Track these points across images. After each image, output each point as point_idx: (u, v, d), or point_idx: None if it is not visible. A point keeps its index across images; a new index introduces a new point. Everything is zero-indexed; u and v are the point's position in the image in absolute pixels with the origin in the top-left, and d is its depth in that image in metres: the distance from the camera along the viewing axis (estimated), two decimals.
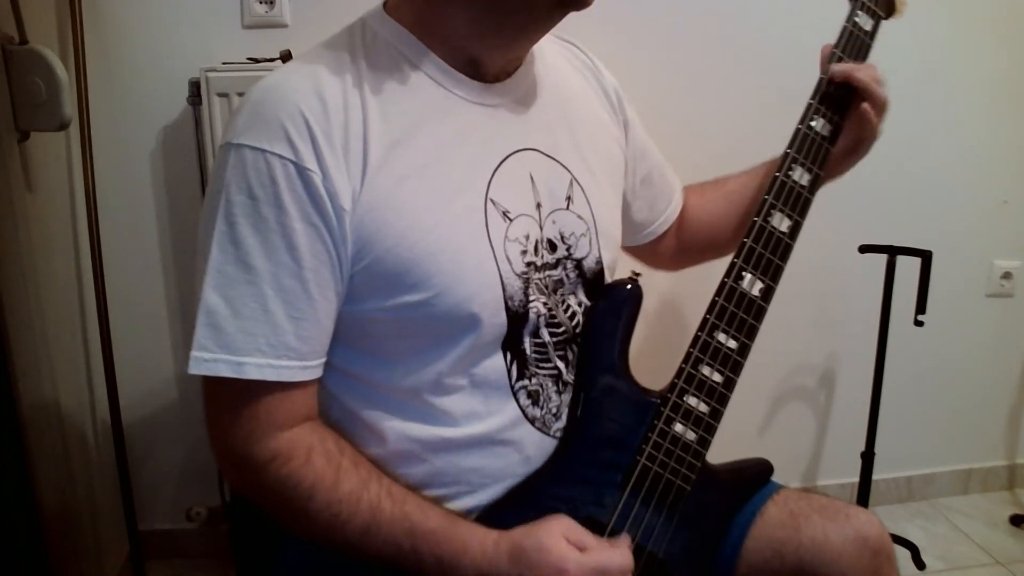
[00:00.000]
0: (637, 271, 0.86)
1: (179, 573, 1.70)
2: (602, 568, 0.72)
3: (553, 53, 0.91)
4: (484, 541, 0.73)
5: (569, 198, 0.83)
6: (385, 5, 0.79)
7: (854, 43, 0.91)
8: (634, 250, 1.09)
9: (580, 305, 0.84)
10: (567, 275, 0.83)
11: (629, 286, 0.85)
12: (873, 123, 0.90)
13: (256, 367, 0.69)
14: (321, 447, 0.73)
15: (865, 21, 0.91)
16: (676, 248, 1.08)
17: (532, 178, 0.80)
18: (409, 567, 0.72)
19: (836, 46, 0.90)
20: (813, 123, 0.88)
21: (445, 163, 0.74)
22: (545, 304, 0.80)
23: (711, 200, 1.06)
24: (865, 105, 0.89)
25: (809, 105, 0.89)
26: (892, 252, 1.61)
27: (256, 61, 1.43)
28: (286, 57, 1.39)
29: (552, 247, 0.81)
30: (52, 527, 1.27)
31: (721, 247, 1.05)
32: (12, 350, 1.15)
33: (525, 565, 0.71)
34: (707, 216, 1.06)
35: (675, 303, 1.76)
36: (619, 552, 0.74)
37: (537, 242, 0.80)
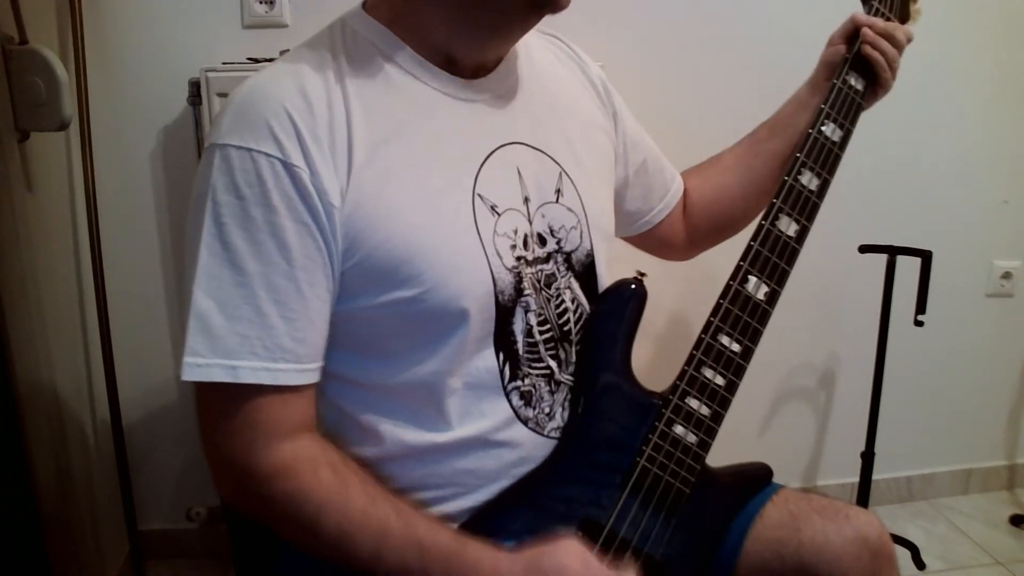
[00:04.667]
0: (642, 271, 0.86)
1: (179, 573, 1.70)
2: None
3: (538, 47, 0.90)
4: (496, 561, 0.72)
5: (559, 191, 0.83)
6: (364, 4, 0.79)
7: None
8: (640, 243, 1.08)
9: (573, 301, 0.84)
10: (558, 269, 0.82)
11: (633, 286, 0.84)
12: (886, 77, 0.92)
13: (251, 370, 0.68)
14: (327, 460, 0.72)
15: None
16: (686, 235, 1.08)
17: (519, 172, 0.80)
18: None
19: (849, 52, 0.91)
20: (824, 128, 0.88)
21: (431, 159, 0.74)
22: (535, 300, 0.80)
23: (710, 178, 1.06)
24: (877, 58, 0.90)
25: (820, 110, 0.89)
26: (892, 252, 1.61)
27: (256, 61, 1.43)
28: None
29: (542, 241, 0.81)
30: (52, 527, 1.27)
31: (730, 224, 1.05)
32: (12, 348, 1.15)
33: None
34: (709, 195, 1.05)
35: (679, 305, 1.76)
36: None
37: (527, 236, 0.80)
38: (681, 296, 1.75)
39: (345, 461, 0.74)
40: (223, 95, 1.38)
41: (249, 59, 1.44)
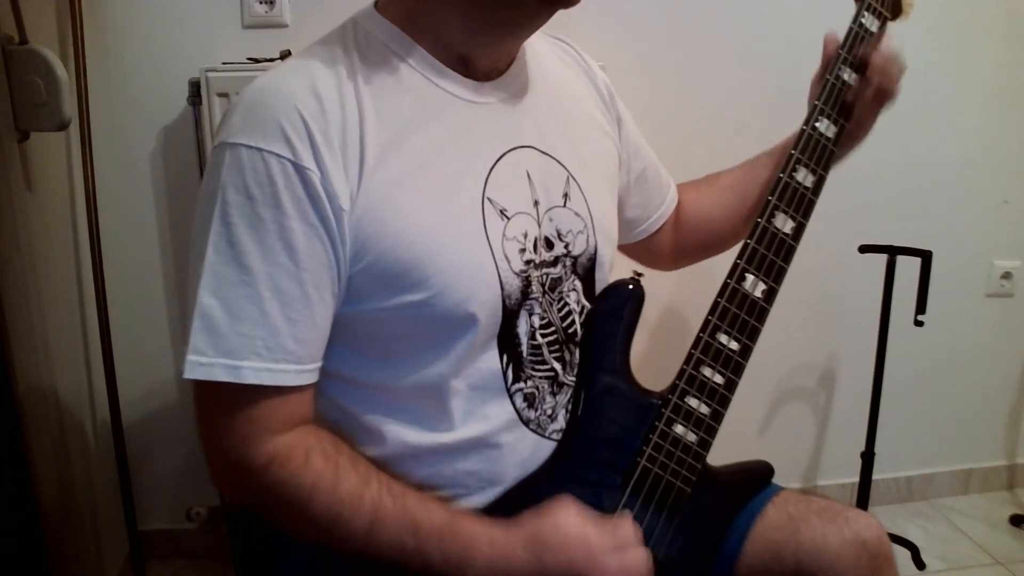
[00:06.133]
0: (639, 271, 0.86)
1: (179, 573, 1.70)
2: (621, 542, 0.72)
3: (545, 51, 0.91)
4: (492, 534, 0.72)
5: (566, 195, 0.83)
6: (376, 3, 0.79)
7: (860, 44, 0.91)
8: (630, 250, 1.08)
9: (578, 304, 0.84)
10: (565, 272, 0.83)
11: (631, 286, 0.84)
12: (875, 114, 0.91)
13: (253, 371, 0.68)
14: (319, 447, 0.72)
15: (871, 22, 0.91)
16: (673, 247, 1.08)
17: (529, 175, 0.80)
18: (415, 566, 0.71)
19: (842, 47, 0.90)
20: (818, 124, 0.88)
21: (441, 162, 0.74)
22: (540, 303, 0.80)
23: (706, 196, 1.06)
24: (870, 94, 0.89)
25: (814, 106, 0.89)
26: (892, 252, 1.61)
27: (256, 61, 1.43)
28: (286, 57, 1.39)
29: (549, 245, 0.81)
30: (52, 527, 1.27)
31: (718, 243, 1.05)
32: (12, 349, 1.15)
33: (545, 548, 0.70)
34: (703, 212, 1.06)
35: (677, 304, 1.76)
36: (629, 528, 0.74)
37: (536, 240, 0.80)
38: (679, 295, 1.75)
39: (337, 446, 0.74)
40: (223, 95, 1.38)
41: (249, 59, 1.44)
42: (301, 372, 0.71)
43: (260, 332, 0.68)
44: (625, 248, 1.08)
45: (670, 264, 1.11)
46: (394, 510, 0.71)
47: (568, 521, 0.71)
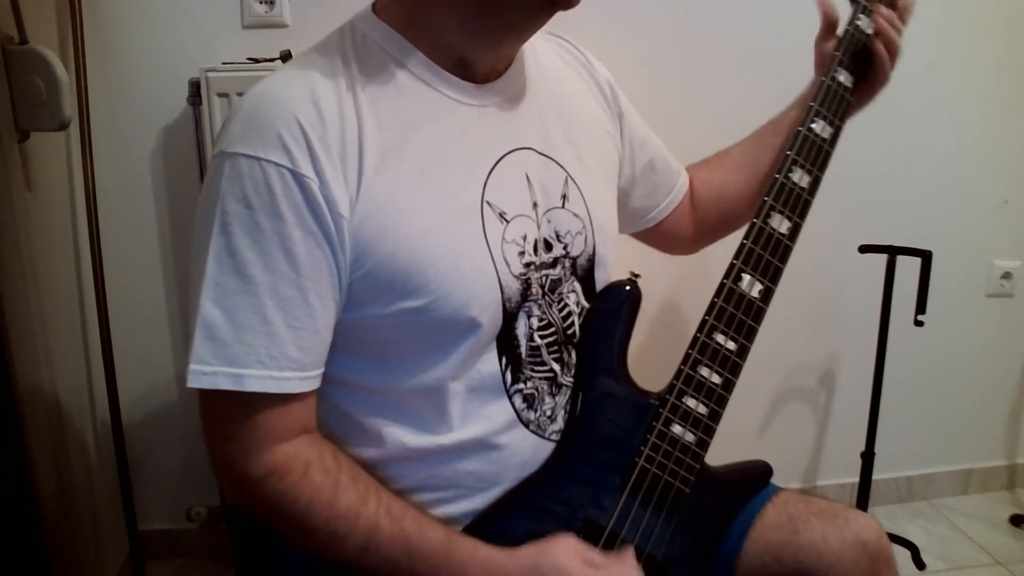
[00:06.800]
0: (636, 272, 0.86)
1: (179, 573, 1.70)
2: None
3: (545, 50, 0.90)
4: (488, 559, 0.72)
5: (564, 196, 0.83)
6: (374, 6, 0.78)
7: (856, 46, 0.91)
8: (647, 238, 1.08)
9: (578, 305, 0.84)
10: (564, 274, 0.83)
11: (628, 287, 0.85)
12: (887, 68, 0.91)
13: (256, 379, 0.68)
14: (319, 461, 0.72)
15: (867, 24, 0.91)
16: (692, 229, 1.08)
17: (528, 177, 0.80)
18: None
19: (837, 49, 0.90)
20: (813, 125, 0.88)
21: (440, 166, 0.74)
22: (538, 304, 0.80)
23: (718, 173, 1.06)
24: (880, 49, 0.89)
25: (809, 108, 0.89)
26: (892, 252, 1.61)
27: (256, 61, 1.43)
28: (286, 57, 1.39)
29: (548, 246, 0.81)
30: (52, 527, 1.27)
31: (737, 218, 1.05)
32: (12, 350, 1.15)
33: None
34: (718, 188, 1.05)
35: (674, 304, 1.76)
36: (629, 567, 0.74)
37: (536, 242, 0.80)
38: (676, 296, 1.75)
39: (338, 461, 0.74)
40: (223, 95, 1.38)
41: (249, 59, 1.44)
42: (304, 379, 0.71)
43: (263, 341, 0.68)
44: (642, 236, 1.08)
45: (691, 246, 1.10)
46: (390, 531, 0.71)
47: (569, 562, 0.72)
